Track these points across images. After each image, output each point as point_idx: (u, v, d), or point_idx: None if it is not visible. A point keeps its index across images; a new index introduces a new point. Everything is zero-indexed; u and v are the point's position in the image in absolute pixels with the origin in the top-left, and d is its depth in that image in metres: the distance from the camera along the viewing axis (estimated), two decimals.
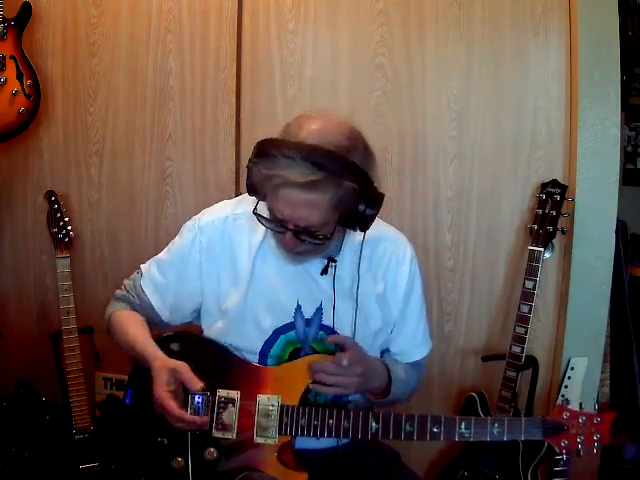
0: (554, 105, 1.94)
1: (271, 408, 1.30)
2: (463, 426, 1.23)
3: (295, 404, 1.31)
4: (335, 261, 1.36)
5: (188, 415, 1.26)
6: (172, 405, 1.25)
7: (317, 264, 1.36)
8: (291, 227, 1.23)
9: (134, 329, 1.41)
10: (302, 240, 1.25)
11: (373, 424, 1.26)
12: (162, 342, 1.39)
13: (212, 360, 1.39)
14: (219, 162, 2.14)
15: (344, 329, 1.39)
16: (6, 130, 2.06)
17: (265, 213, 1.28)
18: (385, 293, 1.43)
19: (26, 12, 2.06)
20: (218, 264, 1.40)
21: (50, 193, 2.12)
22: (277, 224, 1.25)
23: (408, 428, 1.25)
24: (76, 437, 2.04)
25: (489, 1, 1.95)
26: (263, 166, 1.19)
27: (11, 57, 2.04)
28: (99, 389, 2.26)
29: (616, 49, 1.85)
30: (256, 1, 2.08)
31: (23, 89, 2.05)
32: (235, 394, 1.32)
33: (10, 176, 2.27)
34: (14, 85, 2.04)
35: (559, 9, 1.91)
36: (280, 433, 1.30)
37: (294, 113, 2.05)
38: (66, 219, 2.10)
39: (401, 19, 2.00)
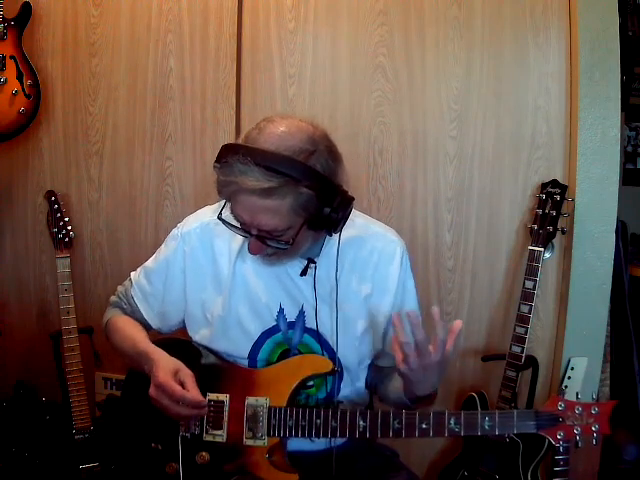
0: (554, 105, 1.94)
1: (259, 410, 1.30)
2: (452, 421, 1.19)
3: (283, 405, 1.30)
4: (314, 262, 1.34)
5: (189, 393, 1.24)
6: (175, 386, 1.24)
7: (297, 265, 1.35)
8: (254, 232, 1.23)
9: (132, 330, 1.42)
10: (267, 245, 1.24)
11: (361, 422, 1.25)
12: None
13: (201, 364, 1.39)
14: None
15: (327, 332, 1.38)
16: (6, 130, 2.07)
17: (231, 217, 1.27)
18: (373, 294, 1.39)
19: (26, 12, 2.07)
20: (202, 271, 1.40)
21: (50, 193, 2.12)
22: (241, 229, 1.25)
23: (396, 425, 1.22)
24: (76, 437, 2.04)
25: (489, 1, 1.95)
26: (221, 172, 1.18)
27: (11, 57, 2.04)
28: (99, 389, 2.26)
29: (616, 49, 1.85)
30: (256, 1, 2.08)
31: (23, 89, 2.05)
32: (224, 397, 1.32)
33: (10, 176, 2.27)
34: (14, 85, 2.04)
35: (559, 9, 1.91)
36: (269, 434, 1.29)
37: (294, 113, 2.08)
38: (66, 219, 2.10)
39: (401, 19, 2.00)
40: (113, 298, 1.53)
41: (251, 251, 1.27)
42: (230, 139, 2.11)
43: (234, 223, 1.26)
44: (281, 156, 1.16)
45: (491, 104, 1.98)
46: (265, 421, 1.29)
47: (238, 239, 1.37)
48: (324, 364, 1.34)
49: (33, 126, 2.13)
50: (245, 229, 1.24)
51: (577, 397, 1.20)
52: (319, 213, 1.20)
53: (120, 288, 1.53)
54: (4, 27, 2.03)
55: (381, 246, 1.41)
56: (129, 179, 2.21)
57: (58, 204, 2.11)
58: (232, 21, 2.08)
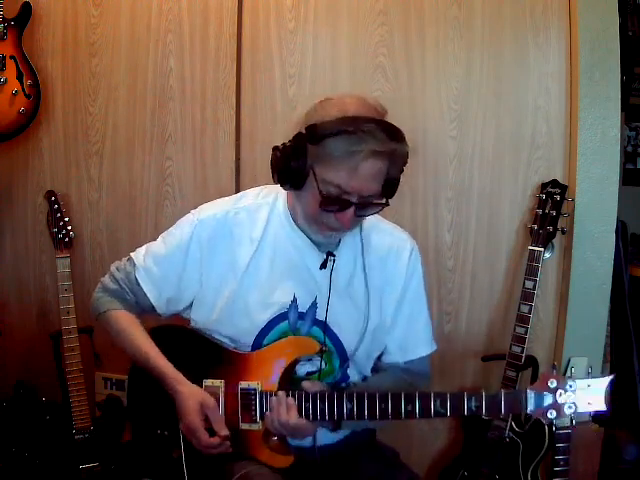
0: (554, 105, 1.94)
1: (251, 394, 1.32)
2: (438, 403, 1.20)
3: (275, 389, 1.31)
4: (334, 255, 1.36)
5: (216, 441, 1.30)
6: (205, 436, 1.29)
7: (315, 258, 1.37)
8: (355, 200, 1.25)
9: (142, 340, 1.41)
10: (358, 216, 1.29)
11: (347, 404, 1.25)
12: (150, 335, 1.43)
13: (197, 350, 1.42)
14: (219, 162, 2.14)
15: (339, 324, 1.39)
16: (6, 130, 2.07)
17: (302, 202, 1.31)
18: (383, 288, 1.43)
19: (26, 12, 2.07)
20: (218, 258, 1.40)
21: (50, 193, 2.12)
22: (340, 204, 1.25)
23: (382, 407, 1.23)
24: (76, 437, 2.04)
25: (489, 1, 1.95)
26: (345, 142, 1.19)
27: (11, 57, 2.04)
28: (99, 389, 2.26)
29: (616, 49, 1.85)
30: (256, 1, 2.08)
31: (23, 89, 2.05)
32: (219, 383, 1.35)
33: (10, 176, 2.27)
34: (14, 85, 2.04)
35: (559, 9, 1.91)
36: (262, 418, 1.31)
37: (294, 113, 2.09)
38: (66, 219, 2.10)
39: (401, 19, 2.00)
40: (111, 285, 1.46)
41: (346, 224, 1.29)
42: (230, 139, 2.12)
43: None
44: (386, 122, 1.24)
45: (491, 104, 1.98)
46: (257, 405, 1.31)
47: (258, 229, 1.39)
48: (311, 345, 1.35)
49: (33, 126, 2.13)
50: (344, 200, 1.25)
51: (570, 372, 1.16)
52: (394, 175, 1.29)
53: (117, 274, 1.46)
54: (4, 27, 2.03)
55: (390, 242, 1.45)
56: (129, 179, 2.20)
57: (58, 204, 2.11)
58: (232, 21, 2.08)
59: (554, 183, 1.87)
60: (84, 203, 2.24)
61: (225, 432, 1.30)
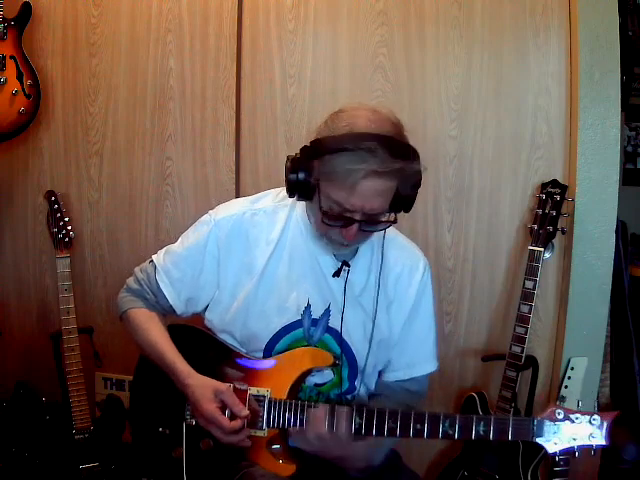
0: (554, 105, 1.94)
1: (260, 401, 1.32)
2: (447, 424, 1.20)
3: (284, 397, 1.32)
4: (349, 265, 1.36)
5: (239, 424, 1.28)
6: (225, 419, 1.27)
7: (331, 265, 1.37)
8: (358, 217, 1.23)
9: (158, 337, 1.41)
10: (364, 231, 1.26)
11: (357, 419, 1.25)
12: None
13: (208, 353, 1.42)
14: (219, 162, 2.14)
15: (349, 333, 1.39)
16: (6, 130, 2.07)
17: (313, 214, 1.30)
18: (393, 302, 1.43)
19: (26, 12, 2.07)
20: (234, 258, 1.40)
21: (50, 193, 2.12)
22: (342, 220, 1.24)
23: (391, 425, 1.23)
24: (76, 437, 2.04)
25: (489, 1, 1.95)
26: (344, 160, 1.16)
27: (11, 57, 2.04)
28: (99, 389, 2.26)
29: (616, 49, 1.85)
30: (256, 1, 2.08)
31: (23, 89, 2.06)
32: (227, 386, 1.34)
33: (10, 176, 2.27)
34: (14, 85, 2.04)
35: (559, 9, 1.91)
36: (268, 426, 1.31)
37: (294, 113, 2.09)
38: (66, 219, 2.10)
39: (401, 19, 2.00)
40: (133, 285, 1.49)
41: (351, 239, 1.26)
42: (230, 139, 2.12)
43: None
44: (397, 140, 1.20)
45: (491, 104, 1.98)
46: (265, 412, 1.31)
47: (276, 231, 1.39)
48: (325, 358, 1.35)
49: (33, 126, 2.14)
50: (347, 217, 1.23)
51: (578, 405, 1.18)
52: (406, 192, 1.24)
53: (140, 274, 1.48)
54: (4, 27, 2.03)
55: (405, 258, 1.45)
56: (129, 179, 2.21)
57: (58, 204, 2.11)
58: (232, 21, 2.08)
59: (554, 183, 1.87)
60: (84, 203, 2.24)
61: (245, 412, 1.28)
